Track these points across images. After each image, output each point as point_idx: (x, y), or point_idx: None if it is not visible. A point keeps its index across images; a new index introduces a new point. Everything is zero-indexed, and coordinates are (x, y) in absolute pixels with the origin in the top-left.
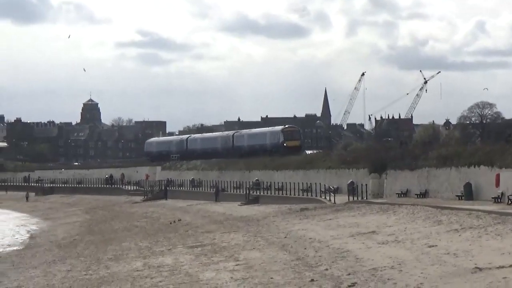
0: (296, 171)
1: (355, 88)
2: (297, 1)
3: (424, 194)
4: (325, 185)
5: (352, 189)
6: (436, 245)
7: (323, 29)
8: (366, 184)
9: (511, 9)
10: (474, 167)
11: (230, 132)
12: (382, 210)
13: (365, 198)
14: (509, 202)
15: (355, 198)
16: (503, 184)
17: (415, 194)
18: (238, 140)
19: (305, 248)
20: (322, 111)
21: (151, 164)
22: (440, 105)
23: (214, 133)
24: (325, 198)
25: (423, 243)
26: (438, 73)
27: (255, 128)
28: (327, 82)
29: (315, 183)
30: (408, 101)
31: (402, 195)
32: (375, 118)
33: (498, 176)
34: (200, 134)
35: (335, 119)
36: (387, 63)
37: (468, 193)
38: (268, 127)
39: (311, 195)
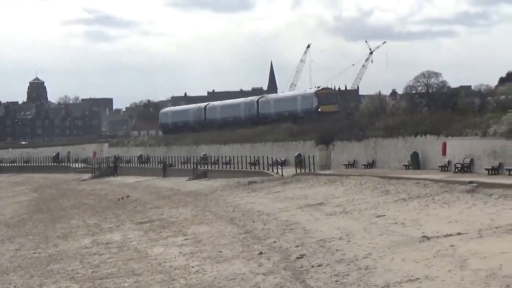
0: (244, 144)
1: (301, 60)
2: None
3: (371, 165)
4: (272, 158)
5: (300, 161)
6: (384, 215)
7: (268, 1)
8: (313, 156)
9: None
10: (421, 136)
11: (255, 98)
12: (329, 181)
13: (312, 170)
14: (456, 170)
15: (303, 170)
16: (449, 153)
17: (363, 165)
18: (263, 107)
19: (253, 221)
20: (269, 84)
21: (98, 141)
22: (386, 75)
23: (236, 100)
24: (273, 171)
25: (371, 213)
26: (383, 43)
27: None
28: (273, 55)
29: (263, 156)
30: (354, 72)
31: (350, 166)
32: None
33: (444, 144)
34: (220, 102)
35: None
36: (333, 35)
37: (415, 162)
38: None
39: (259, 168)
